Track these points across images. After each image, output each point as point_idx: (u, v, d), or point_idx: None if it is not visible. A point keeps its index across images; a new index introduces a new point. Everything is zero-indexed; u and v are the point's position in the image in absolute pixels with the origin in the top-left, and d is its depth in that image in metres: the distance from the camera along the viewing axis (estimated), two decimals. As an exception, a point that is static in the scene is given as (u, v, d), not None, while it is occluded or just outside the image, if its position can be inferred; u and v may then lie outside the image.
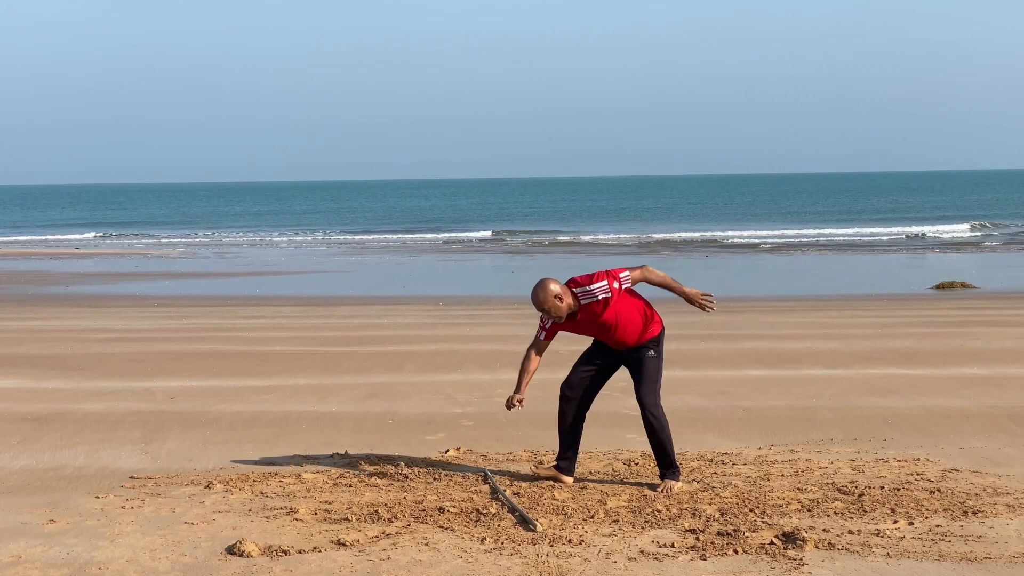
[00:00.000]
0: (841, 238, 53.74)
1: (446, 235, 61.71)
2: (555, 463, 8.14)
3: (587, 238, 56.74)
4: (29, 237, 65.08)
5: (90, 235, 66.76)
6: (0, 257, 46.26)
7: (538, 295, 7.69)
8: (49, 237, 64.28)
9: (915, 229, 58.96)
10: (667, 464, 7.90)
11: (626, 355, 7.99)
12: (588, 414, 8.13)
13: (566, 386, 8.08)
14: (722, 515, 7.13)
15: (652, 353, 7.92)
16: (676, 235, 56.58)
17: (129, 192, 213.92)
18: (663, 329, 8.00)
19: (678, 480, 7.87)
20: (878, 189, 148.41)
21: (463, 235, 61.27)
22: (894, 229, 59.52)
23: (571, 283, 7.77)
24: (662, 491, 7.73)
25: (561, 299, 7.68)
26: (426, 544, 6.61)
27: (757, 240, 52.14)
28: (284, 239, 60.76)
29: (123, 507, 7.51)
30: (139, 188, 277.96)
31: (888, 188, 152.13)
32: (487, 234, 61.67)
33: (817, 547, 6.48)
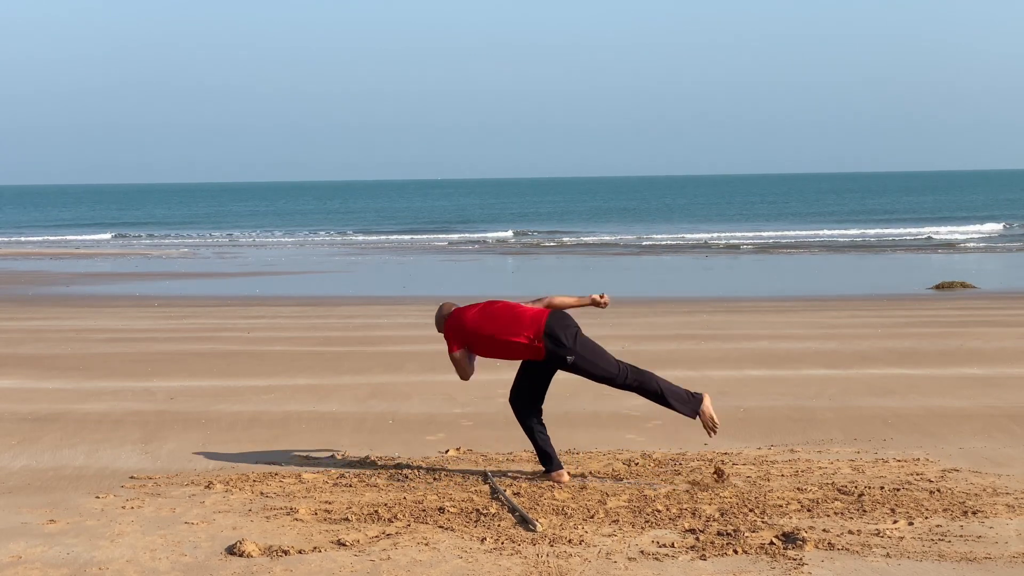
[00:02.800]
0: (872, 238, 53.07)
1: (457, 235, 61.60)
2: (544, 471, 8.19)
3: (590, 239, 56.74)
4: (45, 237, 65.01)
5: (107, 236, 66.71)
6: (1, 257, 46.26)
7: (435, 318, 8.42)
8: (67, 238, 64.18)
9: (944, 229, 58.44)
10: (685, 399, 7.93)
11: (550, 368, 8.09)
12: (586, 414, 8.18)
13: (512, 399, 8.26)
14: (722, 515, 7.13)
15: (571, 359, 7.94)
16: (681, 236, 56.56)
17: (131, 193, 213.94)
18: (556, 331, 7.89)
19: (703, 399, 7.95)
20: (903, 189, 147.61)
21: (479, 235, 61.09)
22: (925, 229, 58.91)
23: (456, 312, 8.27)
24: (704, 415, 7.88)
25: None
26: (426, 544, 6.62)
27: (772, 241, 51.93)
28: (295, 239, 60.77)
29: (123, 507, 7.51)
30: (140, 188, 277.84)
31: (909, 188, 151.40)
32: (508, 234, 61.60)
33: (817, 547, 6.48)
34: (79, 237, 64.82)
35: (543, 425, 8.21)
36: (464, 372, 8.33)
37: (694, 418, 8.03)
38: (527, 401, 8.21)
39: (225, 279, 33.44)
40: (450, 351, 8.22)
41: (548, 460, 8.16)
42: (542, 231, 65.10)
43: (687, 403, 7.99)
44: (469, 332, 8.14)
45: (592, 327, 18.12)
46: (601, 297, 8.16)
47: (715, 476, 8.06)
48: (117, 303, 24.85)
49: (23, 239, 63.43)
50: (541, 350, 7.93)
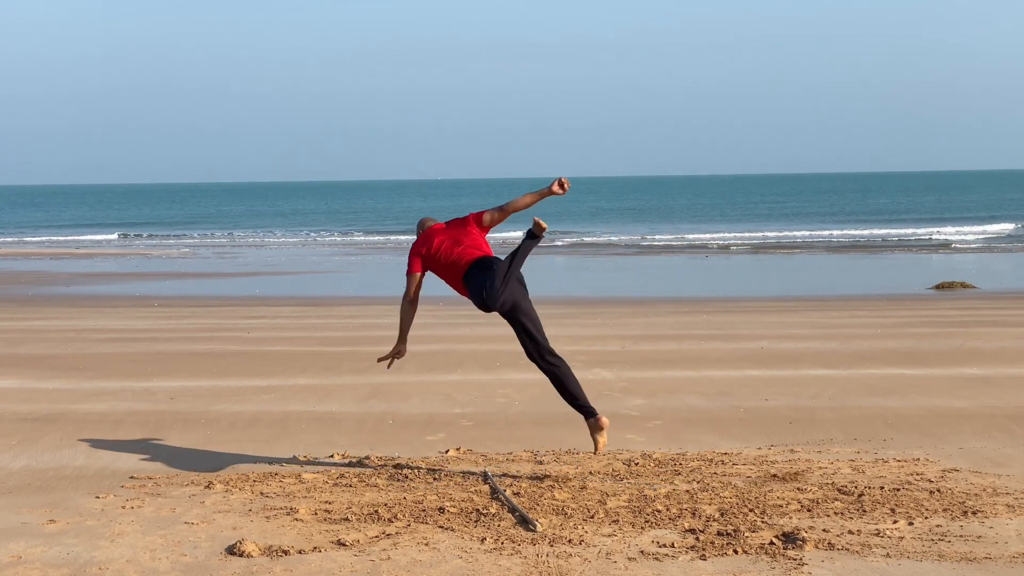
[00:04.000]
0: (878, 239, 52.67)
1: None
2: (593, 418, 8.16)
3: (591, 239, 56.76)
4: (50, 237, 64.89)
5: (113, 236, 66.63)
6: (1, 257, 46.27)
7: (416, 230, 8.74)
8: (72, 238, 64.07)
9: (952, 229, 58.08)
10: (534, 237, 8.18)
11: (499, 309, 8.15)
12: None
13: (530, 358, 8.27)
14: (722, 515, 7.13)
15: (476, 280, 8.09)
16: (682, 236, 56.55)
17: (132, 193, 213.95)
18: (474, 269, 8.10)
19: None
20: (905, 189, 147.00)
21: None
22: (930, 229, 58.53)
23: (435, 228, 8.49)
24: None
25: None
26: (426, 544, 6.62)
27: (772, 241, 51.83)
28: (296, 239, 60.68)
29: (123, 507, 7.52)
30: (141, 188, 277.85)
31: (911, 188, 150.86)
32: (517, 235, 61.44)
33: (817, 547, 6.48)
34: (85, 237, 64.73)
35: (559, 370, 8.16)
36: (408, 293, 8.41)
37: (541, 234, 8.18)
38: (532, 351, 8.18)
39: (225, 279, 33.45)
40: (409, 270, 8.39)
41: (584, 410, 8.17)
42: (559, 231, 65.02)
43: (534, 238, 8.19)
44: (431, 257, 8.31)
45: (593, 327, 18.16)
46: (560, 185, 8.24)
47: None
48: (117, 303, 24.85)
49: (27, 239, 63.39)
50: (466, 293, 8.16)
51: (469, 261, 8.16)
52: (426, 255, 8.34)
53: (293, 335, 17.79)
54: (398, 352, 8.51)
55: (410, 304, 8.45)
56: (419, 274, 8.39)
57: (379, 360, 8.67)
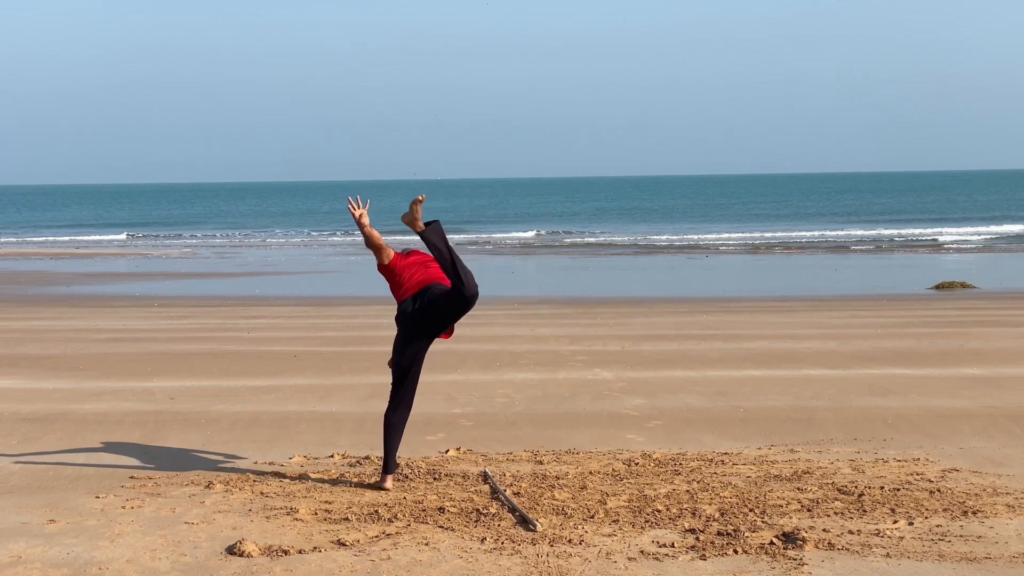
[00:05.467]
0: (883, 239, 52.38)
1: (462, 236, 61.42)
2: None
3: (592, 239, 56.80)
4: (55, 237, 64.85)
5: (122, 235, 66.59)
6: (2, 257, 46.29)
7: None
8: (79, 238, 64.02)
9: (961, 230, 57.94)
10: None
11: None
12: (586, 414, 8.22)
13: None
14: (722, 515, 7.13)
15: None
16: (682, 236, 56.56)
17: (133, 192, 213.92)
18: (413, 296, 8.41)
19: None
20: (908, 189, 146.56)
21: (485, 236, 60.83)
22: (933, 230, 58.37)
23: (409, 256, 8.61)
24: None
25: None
26: (426, 544, 6.62)
27: (773, 241, 51.76)
28: (299, 239, 60.65)
29: (123, 507, 7.52)
30: (140, 188, 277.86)
31: (915, 188, 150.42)
32: (530, 235, 61.31)
33: (817, 547, 6.48)
34: (91, 237, 64.67)
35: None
36: (376, 242, 8.44)
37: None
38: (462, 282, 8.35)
39: (225, 279, 33.46)
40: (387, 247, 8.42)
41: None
42: (544, 231, 65.05)
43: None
44: (396, 268, 8.45)
45: (593, 327, 18.15)
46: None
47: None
48: (117, 303, 24.85)
49: (28, 239, 63.33)
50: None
51: (410, 290, 8.41)
52: (396, 260, 8.45)
53: (293, 335, 17.79)
54: (361, 216, 8.31)
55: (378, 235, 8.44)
56: (388, 256, 8.39)
57: (350, 198, 8.48)
